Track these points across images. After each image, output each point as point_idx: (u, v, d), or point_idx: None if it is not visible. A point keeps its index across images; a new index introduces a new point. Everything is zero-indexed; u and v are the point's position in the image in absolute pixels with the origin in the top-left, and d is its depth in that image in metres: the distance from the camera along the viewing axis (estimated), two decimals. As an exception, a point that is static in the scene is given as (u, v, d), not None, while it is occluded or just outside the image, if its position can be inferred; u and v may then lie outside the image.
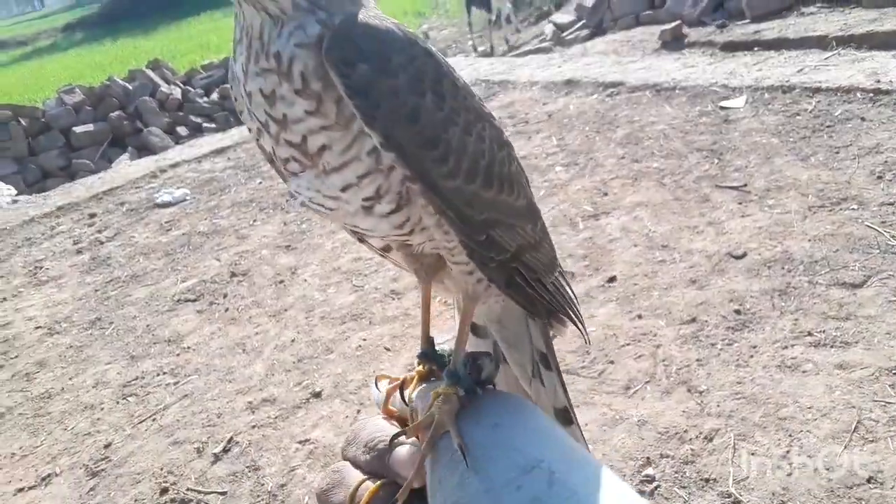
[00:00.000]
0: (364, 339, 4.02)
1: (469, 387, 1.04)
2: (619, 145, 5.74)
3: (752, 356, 3.08)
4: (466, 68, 10.03)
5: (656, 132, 5.76)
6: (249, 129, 1.07)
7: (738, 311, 3.38)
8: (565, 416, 1.27)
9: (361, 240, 1.18)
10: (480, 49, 14.00)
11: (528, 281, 1.13)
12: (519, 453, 0.77)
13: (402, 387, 1.16)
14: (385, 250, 1.20)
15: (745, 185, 4.53)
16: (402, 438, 0.93)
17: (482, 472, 0.75)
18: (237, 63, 0.95)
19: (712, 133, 5.50)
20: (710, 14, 8.81)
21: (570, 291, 1.22)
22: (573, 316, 1.21)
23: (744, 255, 3.80)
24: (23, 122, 9.44)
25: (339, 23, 0.89)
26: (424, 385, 1.15)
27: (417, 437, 0.93)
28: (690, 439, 2.74)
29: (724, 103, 5.99)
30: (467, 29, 15.73)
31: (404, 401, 1.08)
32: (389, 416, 1.07)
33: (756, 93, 6.02)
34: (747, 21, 8.23)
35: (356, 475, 0.87)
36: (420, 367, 1.17)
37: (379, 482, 0.83)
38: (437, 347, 1.30)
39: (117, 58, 21.62)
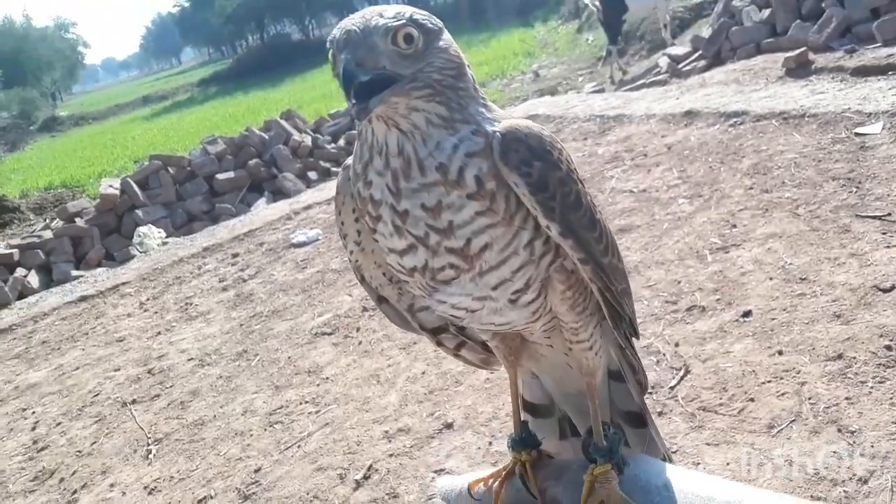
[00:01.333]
0: (491, 372, 4.11)
1: (620, 460, 1.07)
2: (745, 175, 5.59)
3: (908, 395, 2.91)
4: (580, 105, 10.08)
5: (786, 161, 5.57)
6: (357, 261, 1.16)
7: (888, 347, 3.20)
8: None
9: (439, 343, 1.27)
10: (591, 85, 14.01)
11: (629, 340, 1.23)
12: (709, 501, 0.77)
13: (521, 479, 1.15)
14: (457, 348, 1.31)
15: (889, 215, 4.29)
16: None
17: None
18: (375, 185, 0.97)
19: (848, 161, 5.26)
20: (836, 39, 8.44)
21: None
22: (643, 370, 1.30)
23: (892, 288, 3.60)
24: (171, 170, 10.40)
25: (504, 130, 0.99)
26: (549, 469, 1.14)
27: None
28: (843, 481, 2.62)
29: (859, 129, 5.71)
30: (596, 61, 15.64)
31: (533, 495, 1.08)
32: None
33: (893, 118, 5.70)
34: (878, 45, 7.82)
35: None
36: (526, 455, 1.20)
37: None
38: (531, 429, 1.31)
39: (249, 109, 23.32)
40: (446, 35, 1.01)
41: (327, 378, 4.54)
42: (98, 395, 5.23)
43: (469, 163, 0.95)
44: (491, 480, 1.17)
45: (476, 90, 1.04)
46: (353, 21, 0.94)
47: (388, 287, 1.19)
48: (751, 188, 5.34)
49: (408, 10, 0.97)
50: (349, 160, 1.07)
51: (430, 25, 0.97)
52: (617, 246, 1.15)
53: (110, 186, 10.18)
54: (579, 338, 1.12)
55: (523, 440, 1.21)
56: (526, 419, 1.33)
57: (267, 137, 10.75)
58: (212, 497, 3.72)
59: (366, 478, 3.50)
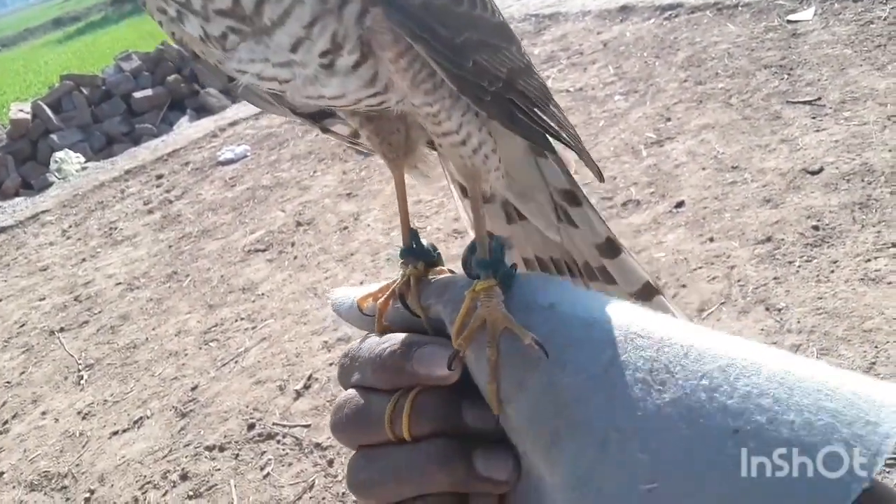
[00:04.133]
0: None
1: (507, 273, 0.89)
2: (680, 69, 5.53)
3: (832, 271, 2.98)
4: (514, 4, 9.75)
5: (720, 52, 5.51)
6: (173, 34, 0.88)
7: (816, 227, 3.26)
8: (611, 247, 1.08)
9: (325, 130, 1.01)
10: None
11: (527, 113, 0.94)
12: (595, 323, 0.66)
13: (400, 297, 0.99)
14: (354, 136, 1.02)
15: (819, 99, 4.31)
16: (427, 346, 0.74)
17: (572, 360, 0.63)
18: None
19: (780, 48, 5.23)
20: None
21: (569, 121, 1.01)
22: (580, 145, 1.01)
23: (820, 171, 3.64)
24: (84, 91, 9.72)
25: None
26: (433, 285, 0.98)
27: (459, 343, 0.75)
28: (770, 356, 2.68)
29: (791, 17, 5.67)
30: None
31: (412, 312, 0.91)
32: (384, 333, 0.86)
33: (825, 3, 5.66)
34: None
35: (374, 398, 0.71)
36: (412, 269, 1.01)
37: (415, 390, 0.69)
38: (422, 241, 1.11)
39: (167, 24, 21.89)
40: None
41: (263, 294, 4.42)
42: (24, 325, 5.00)
43: None
44: (379, 295, 0.96)
45: None
46: None
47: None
48: (685, 81, 5.29)
49: None
50: None
51: None
52: None
53: (20, 111, 9.48)
54: (443, 129, 0.86)
55: (412, 251, 1.01)
56: (416, 228, 1.07)
57: (185, 52, 10.10)
58: (148, 417, 3.64)
59: (306, 387, 3.46)
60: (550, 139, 0.97)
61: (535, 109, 0.93)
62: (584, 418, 0.57)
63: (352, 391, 0.72)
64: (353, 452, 0.69)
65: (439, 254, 0.94)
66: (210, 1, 0.71)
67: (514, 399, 0.64)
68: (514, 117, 0.90)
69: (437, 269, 1.06)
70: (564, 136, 0.97)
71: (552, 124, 0.95)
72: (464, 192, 1.18)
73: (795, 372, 0.51)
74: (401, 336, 0.79)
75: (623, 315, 0.65)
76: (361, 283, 4.16)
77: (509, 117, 0.89)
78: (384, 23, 0.75)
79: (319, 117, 0.99)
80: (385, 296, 0.98)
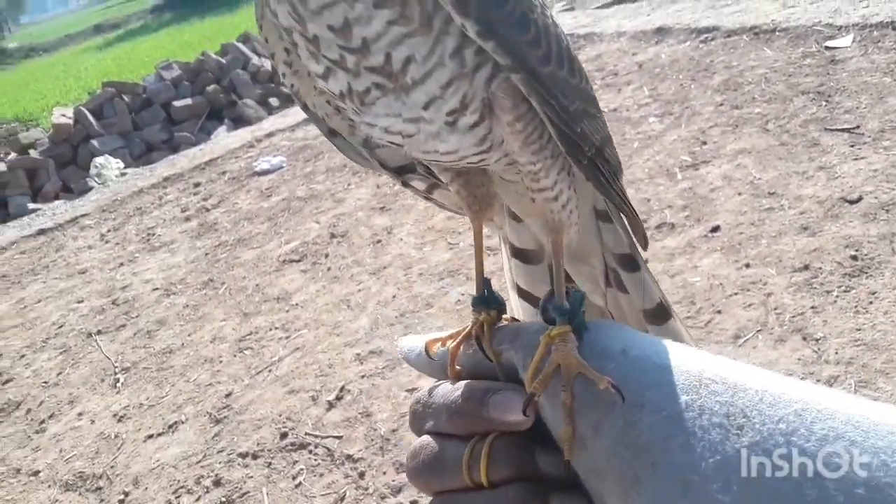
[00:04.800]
0: (462, 294, 4.10)
1: (580, 321, 0.96)
2: (716, 92, 5.53)
3: (871, 302, 2.96)
4: (549, 24, 9.82)
5: (757, 76, 5.50)
6: (293, 86, 0.98)
7: (854, 257, 3.24)
8: (661, 313, 1.16)
9: (406, 184, 1.11)
10: (560, 4, 13.65)
11: (607, 178, 1.04)
12: (667, 369, 0.68)
13: (476, 340, 1.05)
14: (429, 191, 1.14)
15: (858, 127, 4.28)
16: (502, 392, 0.78)
17: (649, 403, 0.65)
18: (280, 14, 0.85)
19: (818, 75, 5.21)
20: (811, -51, 8.25)
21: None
22: (636, 214, 1.11)
23: (859, 200, 3.62)
24: (126, 98, 9.97)
25: None
26: (505, 331, 1.05)
27: (534, 387, 0.80)
28: (807, 386, 2.67)
29: (829, 43, 5.65)
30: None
31: (488, 356, 1.03)
32: (456, 377, 0.93)
33: (864, 31, 5.63)
34: (853, -46, 7.67)
35: (449, 445, 0.74)
36: (485, 315, 1.02)
37: (492, 436, 0.71)
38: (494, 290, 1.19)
39: (206, 35, 22.36)
40: None
41: (296, 304, 4.49)
42: (62, 326, 5.13)
43: None
44: (449, 341, 1.03)
45: None
46: None
47: (336, 118, 1.04)
48: (721, 105, 5.28)
49: None
50: None
51: None
52: (574, 60, 0.96)
53: (63, 116, 9.74)
54: (540, 185, 0.96)
55: (484, 299, 1.08)
56: (489, 277, 1.16)
57: (224, 62, 10.31)
58: (182, 422, 3.71)
59: (338, 399, 3.51)
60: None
61: (616, 175, 1.04)
62: (664, 461, 0.58)
63: (426, 437, 0.76)
64: (430, 500, 0.72)
65: (549, 298, 1.00)
66: (364, 58, 0.81)
67: (590, 442, 0.66)
68: (599, 178, 0.99)
69: (507, 316, 1.12)
70: (629, 204, 1.06)
71: (623, 191, 1.05)
72: (513, 252, 1.25)
73: (869, 415, 0.54)
74: (474, 382, 0.84)
75: (695, 360, 0.68)
76: (394, 296, 4.22)
77: (596, 178, 0.98)
78: (509, 89, 0.85)
79: (402, 171, 1.09)
80: (457, 341, 1.04)
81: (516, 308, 1.27)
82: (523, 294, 1.28)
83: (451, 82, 0.84)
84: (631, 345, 0.76)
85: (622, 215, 1.13)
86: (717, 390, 0.61)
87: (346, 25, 0.80)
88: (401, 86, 0.84)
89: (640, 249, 1.16)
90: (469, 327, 1.05)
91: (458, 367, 0.94)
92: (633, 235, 1.16)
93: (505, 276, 1.29)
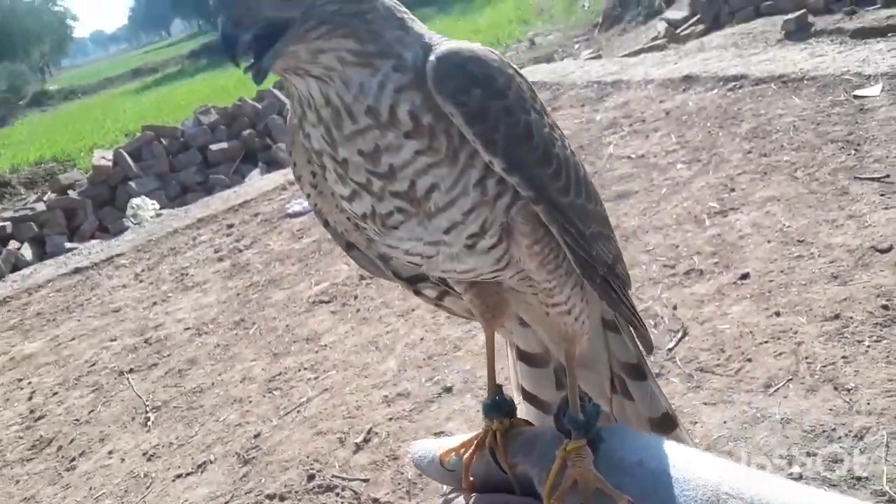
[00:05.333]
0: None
1: (596, 433, 0.97)
2: (744, 140, 5.56)
3: (905, 353, 2.92)
4: (577, 71, 9.97)
5: (785, 125, 5.53)
6: (316, 205, 1.05)
7: (885, 307, 3.21)
8: (667, 422, 1.23)
9: (417, 292, 1.19)
10: (587, 52, 13.86)
11: (618, 293, 1.11)
12: (686, 483, 0.70)
13: (490, 452, 1.05)
14: (440, 298, 1.21)
15: (888, 177, 4.27)
16: None
17: None
18: (313, 137, 0.90)
19: (847, 123, 5.22)
20: (836, 1, 8.34)
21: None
22: (643, 323, 1.18)
23: (890, 249, 3.59)
24: (164, 141, 10.30)
25: (439, 55, 0.88)
26: (519, 442, 1.04)
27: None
28: (839, 437, 2.63)
29: (858, 92, 5.67)
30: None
31: (503, 469, 0.97)
32: (470, 489, 0.96)
33: (893, 80, 5.64)
34: (878, 6, 7.74)
35: None
36: (497, 423, 1.10)
37: None
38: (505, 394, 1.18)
39: (241, 80, 22.96)
40: None
41: (326, 345, 4.54)
42: (94, 364, 5.23)
43: (399, 99, 0.86)
44: (462, 450, 1.06)
45: (388, 9, 0.90)
46: None
47: (354, 233, 1.10)
48: (749, 152, 5.31)
49: None
50: None
51: None
52: (589, 186, 1.04)
53: (103, 158, 10.09)
54: (555, 300, 1.02)
55: (496, 405, 1.12)
56: (500, 383, 1.21)
57: (261, 107, 10.64)
58: (211, 462, 3.74)
59: (366, 441, 3.52)
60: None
61: (626, 291, 1.13)
62: None
63: None
64: None
65: (562, 408, 1.04)
66: (390, 184, 0.88)
67: None
68: (611, 295, 1.07)
69: (517, 420, 1.15)
70: (637, 316, 1.15)
71: (631, 304, 1.13)
72: (519, 355, 1.31)
73: None
74: (490, 497, 0.89)
75: (712, 471, 0.70)
76: (422, 339, 4.25)
77: (608, 295, 1.06)
78: (528, 214, 0.93)
79: (415, 281, 1.17)
80: (470, 451, 1.07)
81: (521, 410, 1.30)
82: (528, 396, 1.33)
83: (473, 209, 0.90)
84: (647, 455, 0.79)
85: (630, 326, 1.19)
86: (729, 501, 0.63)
87: (375, 151, 0.87)
88: (423, 211, 0.90)
89: (646, 359, 1.22)
90: (482, 436, 1.09)
91: (471, 478, 0.98)
92: (639, 344, 1.21)
93: (510, 378, 1.34)
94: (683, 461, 0.72)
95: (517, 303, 1.19)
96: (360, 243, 1.12)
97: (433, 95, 0.86)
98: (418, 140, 0.87)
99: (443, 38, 0.94)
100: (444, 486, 1.11)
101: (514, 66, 0.97)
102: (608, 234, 1.11)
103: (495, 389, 1.18)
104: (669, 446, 0.79)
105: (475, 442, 1.10)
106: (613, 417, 1.26)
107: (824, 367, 2.98)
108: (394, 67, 0.87)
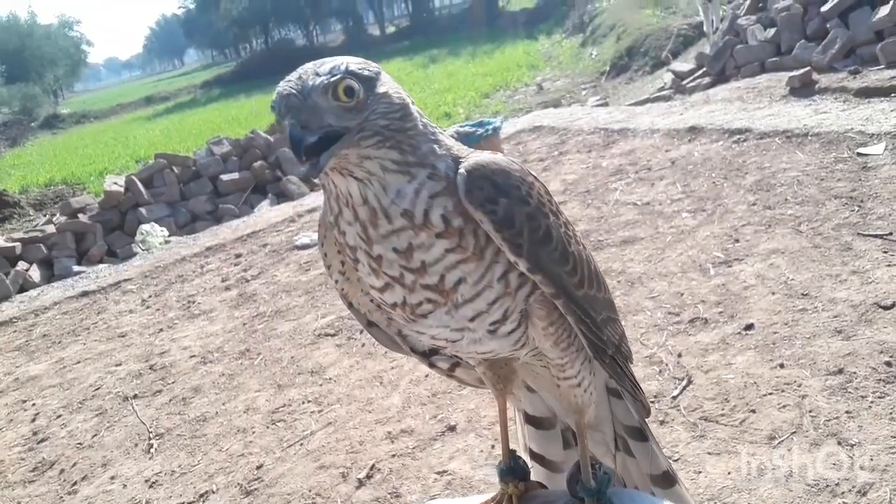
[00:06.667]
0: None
1: (607, 501, 1.07)
2: (748, 192, 5.66)
3: (907, 410, 2.96)
4: (584, 117, 10.16)
5: (789, 179, 5.64)
6: (343, 290, 1.16)
7: (889, 364, 3.25)
8: (667, 479, 1.32)
9: (431, 365, 1.29)
10: (594, 98, 14.10)
11: (623, 368, 1.23)
12: None
13: None
14: (451, 369, 1.30)
15: (891, 234, 4.35)
16: None
17: None
18: (349, 234, 1.00)
19: (850, 180, 5.33)
20: (840, 60, 8.53)
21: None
22: (643, 393, 1.31)
23: (893, 306, 3.65)
24: (176, 170, 10.44)
25: (469, 168, 1.00)
26: None
27: None
28: (843, 493, 2.66)
29: (861, 150, 5.79)
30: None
31: None
32: None
33: (896, 139, 5.78)
34: (882, 66, 7.91)
35: None
36: (512, 488, 1.19)
37: None
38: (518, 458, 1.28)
39: (252, 112, 23.36)
40: (385, 78, 1.01)
41: (330, 378, 4.57)
42: (99, 388, 5.24)
43: (433, 204, 0.97)
44: None
45: (425, 126, 1.03)
46: (290, 84, 0.94)
47: (376, 313, 1.21)
48: (754, 204, 5.40)
49: (343, 62, 0.97)
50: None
51: (367, 73, 0.98)
52: (599, 276, 1.15)
53: (115, 184, 10.21)
54: (566, 374, 1.13)
55: (511, 470, 1.22)
56: (514, 448, 1.31)
57: (272, 140, 10.79)
58: (213, 492, 3.74)
59: (368, 477, 3.53)
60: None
61: (628, 364, 1.25)
62: None
63: None
64: None
65: (576, 475, 1.14)
66: (421, 278, 0.99)
67: None
68: (617, 372, 1.19)
69: (531, 482, 1.24)
70: (639, 388, 1.27)
71: (633, 377, 1.26)
72: (527, 418, 1.43)
73: None
74: None
75: None
76: (427, 376, 4.28)
77: (615, 372, 1.18)
78: (544, 301, 1.05)
79: (429, 354, 1.29)
80: None
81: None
82: (536, 457, 1.43)
83: (497, 300, 1.02)
84: None
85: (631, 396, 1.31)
86: None
87: (409, 249, 0.97)
88: (451, 302, 1.00)
89: (646, 422, 1.33)
90: (498, 499, 1.19)
91: None
92: (641, 411, 1.33)
93: (518, 440, 1.43)
94: None
95: (526, 373, 1.30)
96: (381, 322, 1.23)
97: (463, 203, 0.98)
98: (449, 240, 0.97)
99: (469, 151, 1.06)
100: None
101: (533, 174, 1.08)
102: (615, 318, 1.22)
103: (510, 454, 1.27)
104: None
105: None
106: (617, 475, 1.34)
107: (828, 421, 3.02)
108: (428, 176, 0.98)
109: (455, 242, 0.97)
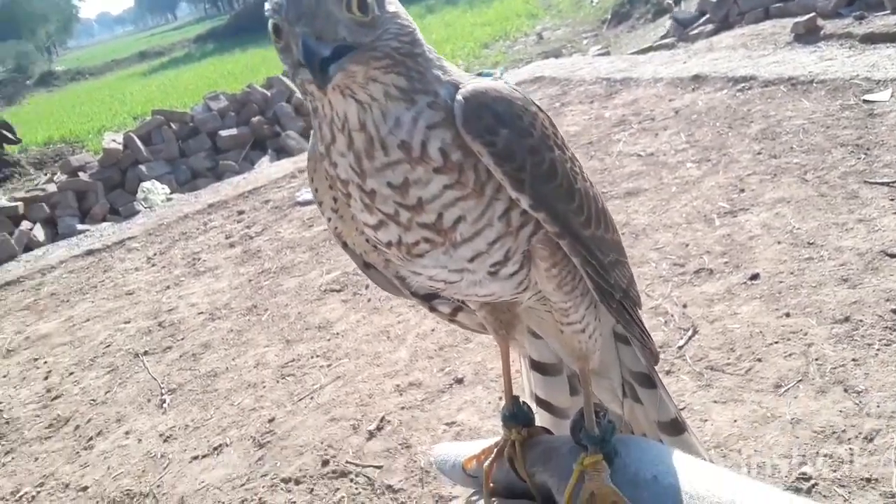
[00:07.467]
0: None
1: (611, 448, 1.01)
2: (754, 141, 5.61)
3: (913, 357, 2.99)
4: (586, 67, 10.01)
5: (795, 127, 5.58)
6: (336, 228, 1.08)
7: (895, 311, 3.28)
8: (675, 427, 1.28)
9: (432, 309, 1.22)
10: (595, 48, 13.86)
11: (631, 313, 1.17)
12: (700, 500, 0.73)
13: (509, 461, 1.10)
14: (453, 314, 1.24)
15: (898, 182, 4.34)
16: None
17: None
18: (340, 166, 0.93)
19: (856, 127, 5.27)
20: (845, 6, 8.36)
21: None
22: (652, 340, 1.25)
23: (900, 254, 3.66)
24: (174, 126, 10.34)
25: (467, 95, 0.92)
26: (537, 451, 1.09)
27: None
28: (849, 439, 2.70)
29: (867, 97, 5.72)
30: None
31: (521, 478, 1.02)
32: (491, 494, 1.01)
33: (904, 85, 5.70)
34: (888, 12, 7.76)
35: None
36: (516, 433, 1.15)
37: None
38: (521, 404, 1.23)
39: (248, 66, 23.02)
40: None
41: (338, 333, 4.61)
42: (109, 346, 5.30)
43: (431, 135, 0.90)
44: (483, 457, 1.10)
45: (430, 51, 0.97)
46: None
47: (373, 253, 1.14)
48: (759, 153, 5.36)
49: None
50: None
51: None
52: (607, 215, 1.09)
53: (113, 141, 10.13)
54: (570, 319, 1.07)
55: (514, 415, 1.17)
56: (517, 394, 1.27)
57: (269, 95, 10.66)
58: (227, 445, 3.81)
59: (379, 429, 3.59)
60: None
61: (637, 310, 1.19)
62: None
63: None
64: None
65: (579, 421, 1.10)
66: (417, 215, 0.93)
67: None
68: (625, 317, 1.13)
69: (535, 428, 1.22)
70: (647, 334, 1.21)
71: (642, 323, 1.20)
72: (532, 365, 1.38)
73: None
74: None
75: (726, 488, 0.75)
76: (433, 330, 4.31)
77: (623, 318, 1.13)
78: (548, 241, 0.98)
79: (430, 298, 1.22)
80: (490, 458, 1.13)
81: (537, 417, 1.37)
82: (542, 403, 1.39)
83: (498, 239, 0.96)
84: (662, 471, 0.83)
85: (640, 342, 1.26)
86: None
87: (404, 184, 0.91)
88: (449, 241, 0.94)
89: (655, 369, 1.29)
90: (501, 445, 1.16)
91: (492, 484, 1.04)
92: (650, 357, 1.28)
93: (524, 386, 1.40)
94: (698, 478, 0.75)
95: (530, 318, 1.25)
96: (378, 263, 1.16)
97: (461, 133, 0.90)
98: (447, 175, 0.91)
99: (470, 77, 0.98)
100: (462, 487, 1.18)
101: (537, 104, 1.01)
102: (623, 261, 1.16)
103: (513, 400, 1.24)
104: (683, 461, 0.83)
105: (495, 450, 1.16)
106: (625, 422, 1.33)
107: (834, 368, 3.05)
108: (429, 104, 0.91)
109: (454, 178, 0.91)
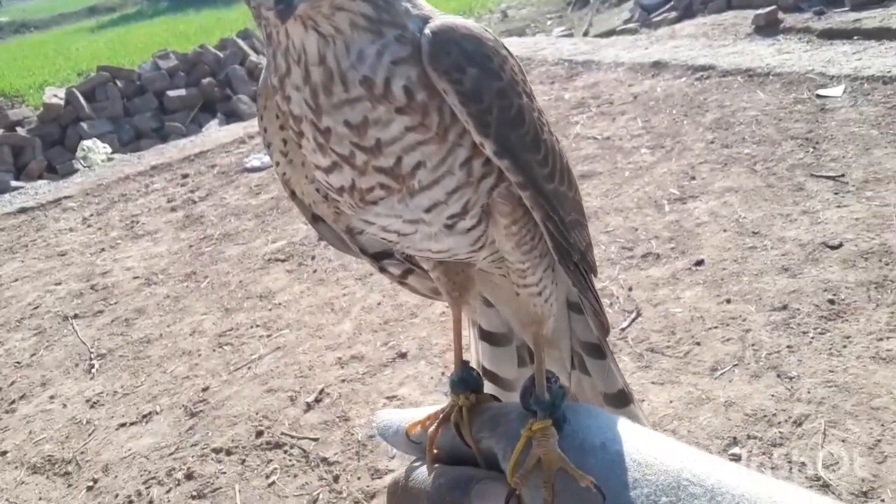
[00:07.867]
0: (447, 306, 4.13)
1: (561, 414, 0.98)
2: (708, 130, 5.65)
3: (845, 346, 3.05)
4: (548, 47, 9.95)
5: (748, 118, 5.64)
6: (284, 174, 1.01)
7: (832, 301, 3.33)
8: (621, 398, 1.25)
9: (382, 269, 1.15)
10: (559, 29, 13.82)
11: (586, 278, 1.12)
12: (647, 468, 0.71)
13: (455, 427, 1.05)
14: (404, 276, 1.17)
15: (843, 176, 4.41)
16: (485, 482, 0.82)
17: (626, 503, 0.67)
18: (294, 100, 0.86)
19: (808, 121, 5.36)
20: (807, 0, 8.49)
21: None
22: (603, 310, 1.20)
23: (839, 246, 3.72)
24: (119, 83, 9.91)
25: (435, 29, 0.85)
26: (484, 417, 1.05)
27: (516, 481, 0.85)
28: (779, 423, 2.74)
29: (820, 91, 5.81)
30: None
31: (467, 444, 0.99)
32: (434, 461, 0.98)
33: (855, 82, 5.81)
34: (846, 9, 7.90)
35: None
36: (464, 398, 1.09)
37: None
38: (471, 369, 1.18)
39: (202, 27, 22.22)
40: None
41: (280, 304, 4.49)
42: (38, 307, 5.07)
43: (396, 72, 0.83)
44: (428, 423, 1.08)
45: None
46: None
47: (322, 205, 1.06)
48: (712, 142, 5.40)
49: None
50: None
51: None
52: (571, 173, 1.04)
53: (54, 96, 9.65)
54: (527, 281, 1.02)
55: (463, 381, 1.11)
56: (467, 359, 1.20)
57: (222, 56, 10.30)
58: (157, 413, 3.69)
59: (317, 401, 3.51)
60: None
61: (592, 276, 1.13)
62: None
63: None
64: None
65: (530, 387, 1.05)
66: (374, 158, 0.85)
67: None
68: (581, 281, 1.08)
69: (483, 395, 1.16)
70: (599, 302, 1.16)
71: (595, 290, 1.14)
72: (481, 334, 1.32)
73: None
74: (455, 471, 0.89)
75: (674, 457, 0.71)
76: (379, 303, 4.23)
77: (580, 283, 1.07)
78: (509, 196, 0.92)
79: (380, 257, 1.14)
80: (435, 424, 1.07)
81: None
82: (488, 374, 1.34)
83: (457, 190, 0.89)
84: (610, 438, 0.80)
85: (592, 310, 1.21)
86: (696, 493, 0.65)
87: (363, 124, 0.83)
88: (406, 188, 0.87)
89: (606, 340, 1.24)
90: (448, 410, 1.10)
91: (436, 451, 0.98)
92: (602, 327, 1.23)
93: (471, 356, 1.34)
94: (646, 445, 0.73)
95: (483, 283, 1.19)
96: (328, 216, 1.08)
97: (426, 69, 0.84)
98: (410, 116, 0.84)
99: (439, 13, 0.91)
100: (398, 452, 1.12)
101: (508, 49, 0.94)
102: (584, 223, 1.11)
103: (462, 365, 1.19)
104: (632, 430, 0.81)
105: (441, 416, 1.10)
106: (571, 392, 1.29)
107: (769, 354, 3.09)
108: (396, 38, 0.84)
109: (417, 120, 0.84)
